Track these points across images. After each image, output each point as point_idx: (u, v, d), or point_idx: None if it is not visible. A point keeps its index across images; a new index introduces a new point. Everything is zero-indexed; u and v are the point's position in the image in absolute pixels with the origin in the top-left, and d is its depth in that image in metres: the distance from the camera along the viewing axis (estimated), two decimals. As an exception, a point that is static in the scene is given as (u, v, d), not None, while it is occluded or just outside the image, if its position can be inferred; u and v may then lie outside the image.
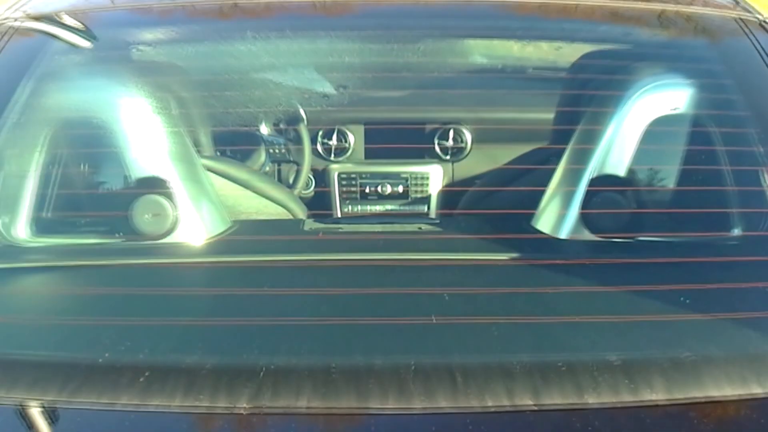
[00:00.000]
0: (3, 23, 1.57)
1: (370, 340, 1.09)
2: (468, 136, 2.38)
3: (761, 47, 1.47)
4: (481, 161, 2.35)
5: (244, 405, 0.95)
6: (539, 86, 2.15)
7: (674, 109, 1.42)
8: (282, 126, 2.37)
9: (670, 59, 1.58)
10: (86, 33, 1.61)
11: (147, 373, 1.00)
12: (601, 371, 0.98)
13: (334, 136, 2.42)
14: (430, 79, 2.49)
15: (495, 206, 1.69)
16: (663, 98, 1.44)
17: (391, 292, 1.20)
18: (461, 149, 2.39)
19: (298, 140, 2.34)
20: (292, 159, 2.37)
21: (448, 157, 2.39)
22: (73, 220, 1.49)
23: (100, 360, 1.04)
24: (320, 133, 2.42)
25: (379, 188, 2.32)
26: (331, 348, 1.08)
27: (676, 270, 1.26)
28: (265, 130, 2.35)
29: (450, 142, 2.38)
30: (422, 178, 2.32)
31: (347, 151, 2.44)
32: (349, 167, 2.41)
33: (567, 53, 1.76)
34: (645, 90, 1.44)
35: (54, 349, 1.11)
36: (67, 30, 1.59)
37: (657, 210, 1.43)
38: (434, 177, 2.34)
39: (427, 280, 1.26)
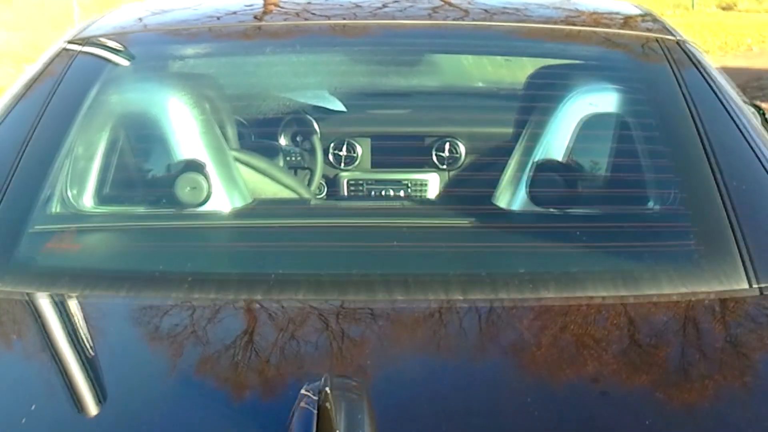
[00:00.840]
0: (72, 43, 1.99)
1: (351, 262, 1.49)
2: (462, 148, 2.75)
3: (674, 62, 1.84)
4: (473, 169, 2.73)
5: (259, 296, 1.34)
6: (513, 101, 2.54)
7: (600, 110, 1.81)
8: (298, 138, 2.76)
9: (599, 71, 1.98)
10: (137, 50, 2.03)
11: (190, 279, 1.39)
12: (513, 279, 1.37)
13: (344, 148, 2.80)
14: (429, 98, 2.92)
15: (467, 190, 2.09)
16: (592, 101, 1.82)
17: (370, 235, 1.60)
18: (456, 159, 2.76)
19: (312, 150, 2.72)
20: (306, 166, 2.74)
21: (444, 166, 2.76)
22: (128, 193, 1.88)
23: (156, 273, 1.43)
24: (332, 144, 2.80)
25: (383, 193, 2.70)
26: (323, 265, 1.48)
27: (593, 232, 1.64)
28: (283, 141, 2.75)
29: (446, 153, 2.76)
30: (421, 184, 2.70)
31: (355, 161, 2.82)
32: (357, 174, 2.79)
33: (525, 70, 2.16)
34: (578, 95, 1.83)
35: (119, 270, 1.50)
36: (123, 47, 2.00)
37: (585, 189, 1.81)
38: (432, 183, 2.72)
39: (402, 235, 1.66)
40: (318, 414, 0.89)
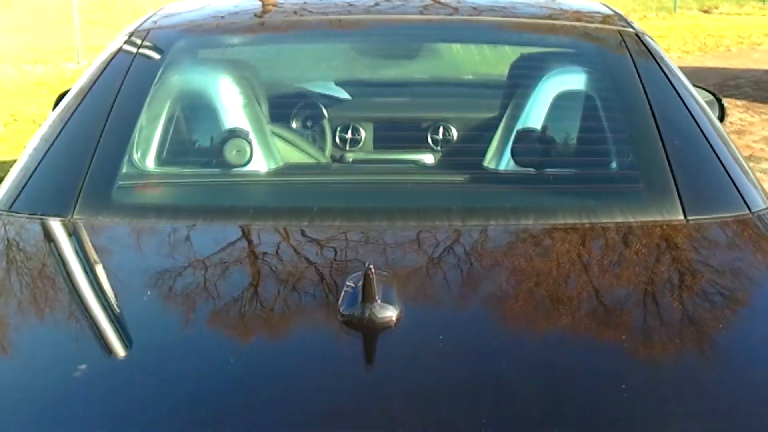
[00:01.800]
0: (136, 33, 2.36)
1: (374, 198, 1.90)
2: (454, 131, 3.13)
3: (631, 50, 2.24)
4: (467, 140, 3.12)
5: (306, 223, 1.74)
6: (498, 86, 2.93)
7: (571, 89, 2.21)
8: (309, 123, 3.13)
9: (571, 57, 2.39)
10: (191, 39, 2.41)
11: (251, 211, 1.78)
12: (502, 211, 1.77)
13: (350, 131, 3.18)
14: (424, 88, 3.33)
15: (463, 158, 2.49)
16: (564, 81, 2.22)
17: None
18: (449, 141, 3.14)
19: (321, 133, 3.10)
20: (316, 148, 3.13)
21: (438, 147, 3.14)
22: (184, 156, 2.27)
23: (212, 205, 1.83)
24: (338, 128, 3.18)
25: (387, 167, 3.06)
26: (352, 200, 1.91)
27: (564, 181, 2.04)
28: (295, 125, 3.13)
29: (440, 136, 3.13)
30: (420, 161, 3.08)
31: (360, 143, 3.19)
32: (361, 155, 3.17)
33: (508, 61, 2.57)
34: (553, 76, 2.23)
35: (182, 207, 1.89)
36: (178, 36, 2.39)
37: (559, 150, 2.20)
38: (429, 159, 3.10)
39: (413, 184, 2.07)
40: (363, 288, 1.26)
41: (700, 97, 2.19)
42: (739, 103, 8.97)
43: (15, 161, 1.93)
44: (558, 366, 1.29)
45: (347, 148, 3.17)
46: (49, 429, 1.11)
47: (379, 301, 1.21)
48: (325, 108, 3.07)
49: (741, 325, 1.39)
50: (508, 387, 1.22)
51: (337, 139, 3.14)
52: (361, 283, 1.26)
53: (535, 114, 2.17)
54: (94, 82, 2.05)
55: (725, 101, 2.95)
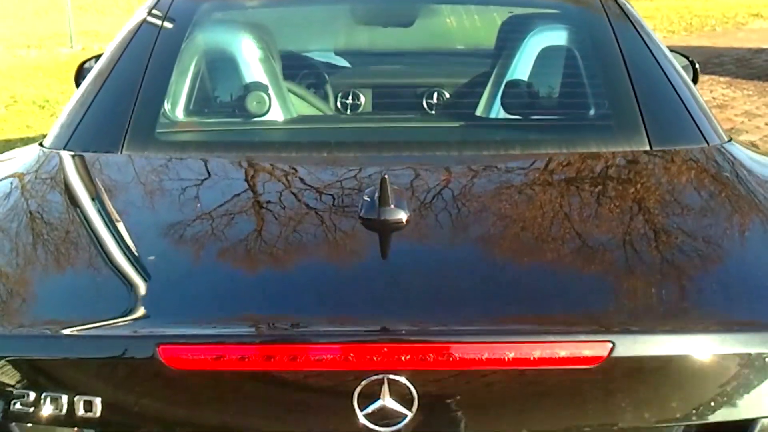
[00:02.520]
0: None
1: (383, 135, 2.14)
2: (447, 95, 3.32)
3: (608, 10, 2.43)
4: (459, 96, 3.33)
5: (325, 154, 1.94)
6: (488, 53, 3.12)
7: (554, 44, 2.41)
8: (312, 89, 3.31)
9: (554, 16, 2.58)
10: (215, 2, 2.59)
11: (277, 144, 2.02)
12: (492, 143, 2.01)
13: (350, 97, 3.36)
14: (419, 57, 3.51)
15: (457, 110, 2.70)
16: (547, 38, 2.42)
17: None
18: (443, 103, 3.33)
19: (325, 97, 3.28)
20: (324, 105, 3.32)
21: (433, 111, 3.33)
22: (213, 106, 2.45)
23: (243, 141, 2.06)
24: (339, 94, 3.36)
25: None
26: (365, 136, 2.17)
27: (547, 120, 2.24)
28: (300, 91, 3.31)
29: (434, 100, 3.31)
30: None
31: (359, 108, 3.37)
32: (366, 111, 3.36)
33: (496, 26, 2.78)
34: (537, 33, 2.42)
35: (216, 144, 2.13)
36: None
37: (543, 98, 2.39)
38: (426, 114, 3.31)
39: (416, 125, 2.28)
40: (380, 193, 1.44)
41: (668, 52, 2.38)
42: (722, 79, 9.16)
43: (18, 140, 2.10)
44: (537, 250, 1.57)
45: (348, 112, 3.35)
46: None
47: (392, 206, 1.40)
48: (327, 75, 3.24)
49: (691, 226, 1.68)
50: (497, 269, 1.50)
51: (339, 104, 3.32)
52: (377, 194, 1.44)
53: (521, 68, 2.36)
54: (128, 43, 2.22)
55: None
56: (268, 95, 2.26)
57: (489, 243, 1.54)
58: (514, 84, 2.32)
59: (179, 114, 2.19)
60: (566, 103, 2.30)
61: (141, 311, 1.37)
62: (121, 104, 2.01)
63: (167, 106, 2.12)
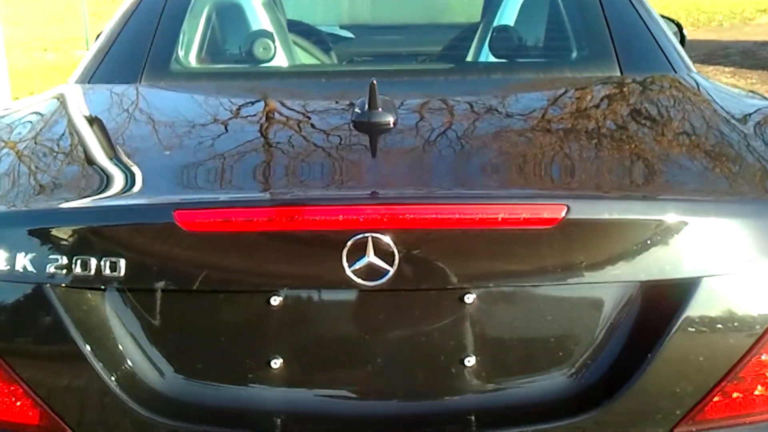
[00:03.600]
0: None
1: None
2: (439, 49, 3.53)
3: None
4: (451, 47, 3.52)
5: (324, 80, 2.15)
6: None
7: None
8: (317, 46, 3.52)
9: None
10: None
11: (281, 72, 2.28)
12: (481, 71, 2.28)
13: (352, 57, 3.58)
14: (416, 29, 3.73)
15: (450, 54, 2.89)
16: None
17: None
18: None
19: (327, 52, 3.48)
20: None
21: (426, 59, 3.52)
22: (219, 54, 2.64)
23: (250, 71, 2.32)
24: (343, 62, 3.56)
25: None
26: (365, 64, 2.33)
27: (531, 59, 2.44)
28: (304, 44, 3.52)
29: (428, 51, 3.52)
30: None
31: (360, 61, 3.58)
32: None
33: None
34: None
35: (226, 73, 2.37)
36: None
37: (527, 43, 2.57)
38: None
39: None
40: (369, 98, 1.60)
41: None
42: (727, 69, 9.30)
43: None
44: (506, 138, 1.78)
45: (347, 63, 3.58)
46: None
47: (380, 109, 1.57)
48: (332, 44, 3.44)
49: (642, 121, 1.87)
50: (471, 152, 1.70)
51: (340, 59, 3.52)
52: (366, 98, 1.61)
53: (507, 16, 2.56)
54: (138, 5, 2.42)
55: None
56: (274, 44, 2.45)
57: (466, 136, 1.73)
58: (500, 29, 2.50)
59: (192, 60, 2.38)
60: (549, 45, 2.47)
61: (160, 185, 1.58)
62: (138, 47, 2.20)
63: (180, 52, 2.30)
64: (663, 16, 2.79)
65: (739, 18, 14.37)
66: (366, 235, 1.32)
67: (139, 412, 1.38)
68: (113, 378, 1.39)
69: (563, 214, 1.33)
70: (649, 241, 1.37)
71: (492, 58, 2.42)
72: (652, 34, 2.17)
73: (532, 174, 1.59)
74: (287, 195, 1.46)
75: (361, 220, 1.32)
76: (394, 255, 1.33)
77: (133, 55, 2.17)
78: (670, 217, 1.37)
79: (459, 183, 1.54)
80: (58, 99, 2.06)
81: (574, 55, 2.30)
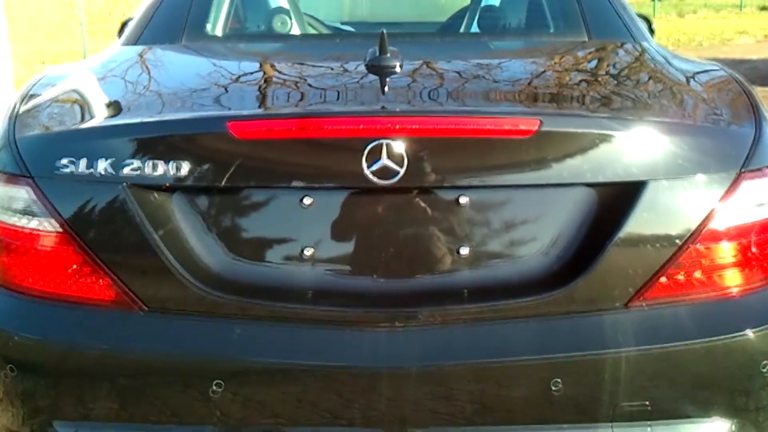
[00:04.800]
0: None
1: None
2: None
3: None
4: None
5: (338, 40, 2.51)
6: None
7: None
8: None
9: None
10: None
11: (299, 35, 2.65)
12: (470, 39, 2.58)
13: None
14: (416, 26, 4.13)
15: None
16: None
17: None
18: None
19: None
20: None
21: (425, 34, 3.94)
22: (244, 25, 2.99)
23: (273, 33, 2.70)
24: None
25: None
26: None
27: (513, 36, 2.83)
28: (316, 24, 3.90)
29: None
30: None
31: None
32: None
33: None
34: None
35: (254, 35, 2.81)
36: None
37: (509, 21, 2.96)
38: None
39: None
40: (379, 45, 1.90)
41: None
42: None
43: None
44: (495, 70, 2.22)
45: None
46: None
47: (389, 55, 1.90)
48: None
49: (605, 66, 2.29)
50: (464, 80, 2.08)
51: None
52: (377, 46, 1.94)
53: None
54: None
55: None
56: (291, 20, 2.82)
57: (460, 74, 2.12)
58: (487, 9, 2.91)
59: (220, 30, 2.74)
60: (529, 21, 2.85)
61: (216, 104, 1.94)
62: (177, 16, 2.54)
63: (212, 22, 2.66)
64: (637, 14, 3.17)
65: (719, 39, 14.88)
66: (381, 141, 1.66)
67: (197, 286, 1.72)
68: (177, 260, 1.72)
69: (537, 127, 1.68)
70: (605, 151, 1.71)
71: (479, 30, 2.84)
72: (616, 11, 2.55)
73: (513, 97, 1.96)
74: (318, 109, 1.82)
75: (377, 128, 1.66)
76: (403, 158, 1.67)
77: (174, 23, 2.52)
78: (622, 132, 1.72)
79: (455, 102, 1.91)
80: (119, 54, 2.42)
81: (551, 28, 2.67)
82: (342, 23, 4.24)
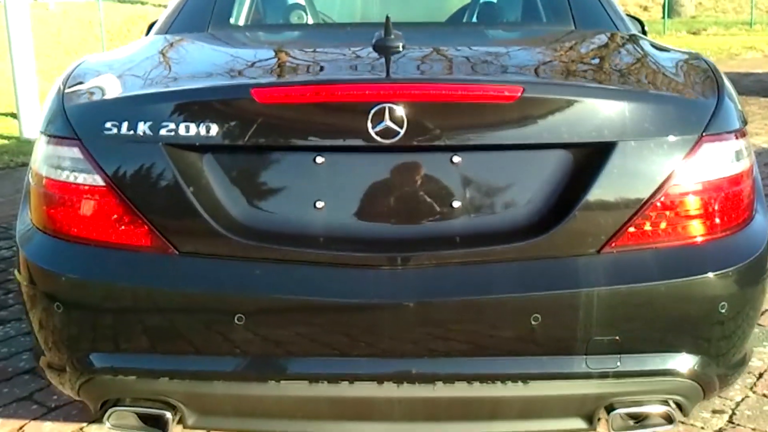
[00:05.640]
0: None
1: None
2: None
3: None
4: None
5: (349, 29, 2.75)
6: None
7: None
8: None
9: None
10: None
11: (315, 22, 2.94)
12: (468, 27, 2.87)
13: None
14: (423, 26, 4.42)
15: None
16: None
17: None
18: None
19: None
20: None
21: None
22: (264, 18, 3.28)
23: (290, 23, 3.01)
24: None
25: None
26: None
27: (509, 28, 3.12)
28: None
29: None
30: None
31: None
32: None
33: None
34: None
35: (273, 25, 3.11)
36: None
37: (505, 15, 3.28)
38: None
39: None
40: (385, 27, 2.14)
41: None
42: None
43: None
44: (489, 45, 2.62)
45: None
46: None
47: (392, 36, 2.15)
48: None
49: (588, 47, 2.58)
50: (458, 55, 2.41)
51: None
52: (383, 28, 2.17)
53: None
54: None
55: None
56: (306, 12, 3.11)
57: (454, 52, 2.40)
58: (485, 4, 3.19)
59: (240, 24, 3.03)
60: (523, 14, 3.14)
61: (241, 73, 2.23)
62: (204, 9, 2.86)
63: (232, 19, 2.95)
64: (629, 15, 3.43)
65: (726, 54, 15.11)
66: (384, 105, 1.91)
67: (223, 233, 1.96)
68: (205, 210, 1.97)
69: (520, 93, 1.92)
70: (581, 115, 1.95)
71: (477, 22, 3.14)
72: (602, 5, 2.81)
73: (501, 70, 2.22)
74: (330, 77, 2.08)
75: (381, 93, 1.91)
76: (403, 120, 1.92)
77: (200, 15, 2.81)
78: (595, 98, 1.97)
79: (449, 72, 2.17)
80: (152, 41, 2.71)
81: (542, 20, 2.95)
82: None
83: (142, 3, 23.38)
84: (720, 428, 2.63)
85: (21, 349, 3.27)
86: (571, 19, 2.75)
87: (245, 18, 3.02)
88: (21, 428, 2.68)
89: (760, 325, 3.41)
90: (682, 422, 2.62)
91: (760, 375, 2.98)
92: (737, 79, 11.34)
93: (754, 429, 2.62)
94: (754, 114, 8.50)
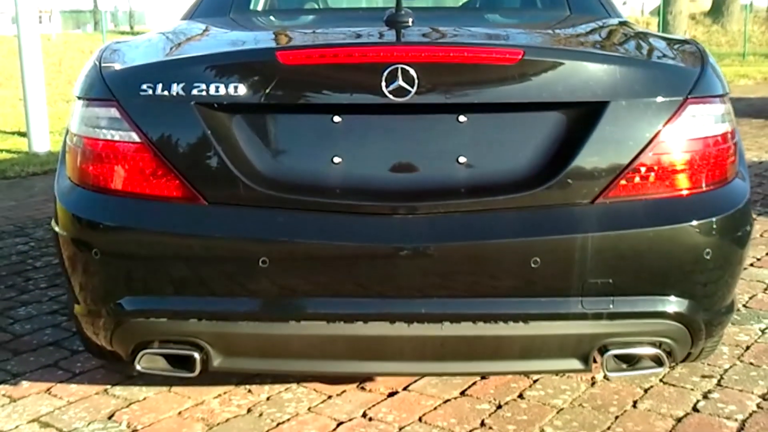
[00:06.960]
0: None
1: None
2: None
3: None
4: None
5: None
6: None
7: None
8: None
9: None
10: None
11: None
12: (465, 12, 3.08)
13: None
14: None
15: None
16: None
17: None
18: None
19: None
20: None
21: None
22: (280, 8, 3.52)
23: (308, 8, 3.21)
24: None
25: None
26: None
27: (506, 15, 3.34)
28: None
29: None
30: None
31: None
32: None
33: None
34: None
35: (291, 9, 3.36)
36: None
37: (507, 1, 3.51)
38: None
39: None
40: (396, 5, 2.32)
41: None
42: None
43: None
44: (492, 26, 2.87)
45: None
46: None
47: (403, 12, 2.33)
48: None
49: (582, 27, 2.81)
50: (463, 33, 2.58)
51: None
52: (394, 7, 2.35)
53: None
54: None
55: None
56: (319, 5, 3.34)
57: (461, 24, 2.67)
58: None
59: (259, 9, 3.27)
60: (522, 2, 3.37)
61: (264, 41, 2.51)
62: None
63: (251, 5, 3.18)
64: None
65: (719, 81, 15.37)
66: (397, 66, 2.10)
67: (249, 185, 2.14)
68: (233, 164, 2.15)
69: (520, 56, 2.12)
70: (576, 77, 2.15)
71: (477, 6, 3.38)
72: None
73: (504, 37, 2.45)
74: (347, 40, 2.29)
75: (394, 55, 2.10)
76: (414, 80, 2.10)
77: (222, 1, 3.03)
78: (589, 63, 2.17)
79: (456, 38, 2.38)
80: (177, 25, 2.93)
81: (539, 7, 3.17)
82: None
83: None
84: (709, 389, 2.79)
85: (44, 325, 3.42)
86: (566, 5, 2.99)
87: (263, 4, 3.25)
88: (49, 390, 2.83)
89: (747, 307, 3.58)
90: (673, 384, 2.79)
91: (747, 347, 3.14)
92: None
93: (741, 390, 2.78)
94: (746, 133, 8.76)
